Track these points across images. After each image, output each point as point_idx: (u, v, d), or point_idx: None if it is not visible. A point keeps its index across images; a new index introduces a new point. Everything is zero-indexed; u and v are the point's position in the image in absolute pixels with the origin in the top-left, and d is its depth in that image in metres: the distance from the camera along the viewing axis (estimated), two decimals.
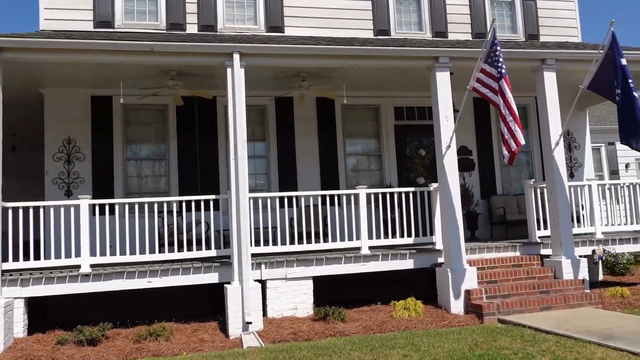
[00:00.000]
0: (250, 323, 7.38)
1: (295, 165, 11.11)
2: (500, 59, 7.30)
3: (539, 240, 9.44)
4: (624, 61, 7.93)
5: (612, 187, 10.49)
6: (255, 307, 7.55)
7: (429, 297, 8.70)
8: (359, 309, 8.48)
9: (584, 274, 8.72)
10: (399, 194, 9.28)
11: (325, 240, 8.89)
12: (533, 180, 9.66)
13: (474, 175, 12.03)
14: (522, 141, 7.05)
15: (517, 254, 9.31)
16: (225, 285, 7.74)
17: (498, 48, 7.40)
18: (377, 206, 9.43)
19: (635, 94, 7.84)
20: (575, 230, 9.85)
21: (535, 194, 9.67)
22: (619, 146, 17.73)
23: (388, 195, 9.14)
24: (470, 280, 8.23)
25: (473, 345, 5.98)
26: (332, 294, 9.32)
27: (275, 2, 11.17)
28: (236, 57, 7.86)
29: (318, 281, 8.62)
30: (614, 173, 17.53)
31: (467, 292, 8.16)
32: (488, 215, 11.79)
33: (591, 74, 8.28)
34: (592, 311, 7.80)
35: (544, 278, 8.78)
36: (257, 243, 8.94)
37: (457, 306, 8.14)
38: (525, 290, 8.34)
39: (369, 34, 11.56)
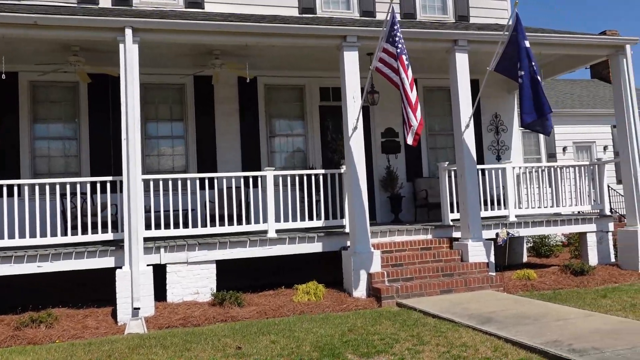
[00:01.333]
0: (139, 309, 7.16)
1: (215, 146, 10.84)
2: (397, 38, 7.13)
3: (451, 223, 9.41)
4: (527, 43, 7.84)
5: (527, 170, 10.51)
6: (146, 292, 7.33)
7: (339, 281, 8.61)
8: (262, 293, 8.35)
9: (490, 256, 8.72)
10: (309, 176, 9.11)
11: (236, 223, 8.65)
12: (447, 162, 9.58)
13: (400, 158, 11.93)
14: (415, 122, 6.92)
15: (429, 237, 9.27)
16: (117, 269, 7.48)
17: (396, 27, 7.21)
18: (293, 189, 9.26)
19: (538, 76, 7.78)
20: (494, 213, 9.89)
21: (450, 177, 9.61)
22: (557, 129, 17.88)
23: (297, 178, 8.98)
24: (374, 264, 8.15)
25: (347, 330, 5.89)
26: (241, 278, 9.17)
27: None
28: (128, 32, 7.51)
29: (226, 265, 8.43)
30: (552, 156, 17.72)
31: (370, 275, 8.08)
32: (413, 198, 11.74)
33: (497, 56, 8.18)
34: (490, 294, 7.81)
35: (450, 261, 8.76)
36: (167, 226, 8.66)
37: (359, 290, 8.06)
38: (429, 273, 8.31)
39: (294, 12, 11.27)
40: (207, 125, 10.81)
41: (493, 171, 9.99)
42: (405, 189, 11.77)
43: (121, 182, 7.68)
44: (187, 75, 10.40)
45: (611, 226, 10.31)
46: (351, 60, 8.44)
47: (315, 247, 8.71)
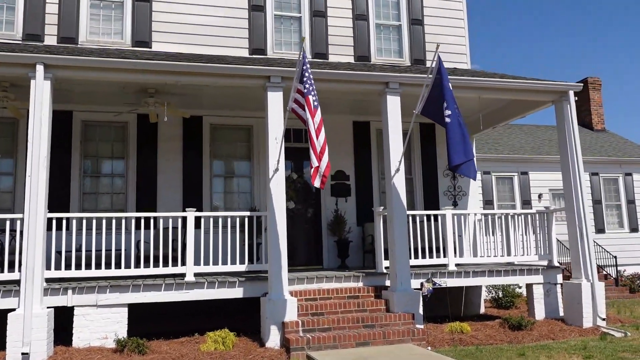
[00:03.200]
0: (28, 354, 6.82)
1: (156, 185, 10.64)
2: (305, 78, 6.96)
3: (384, 271, 9.02)
4: (450, 85, 7.66)
5: (463, 216, 10.12)
6: (40, 337, 6.99)
7: (259, 329, 8.21)
8: (172, 340, 7.97)
9: (417, 308, 8.27)
10: (234, 217, 8.85)
11: (162, 264, 8.33)
12: (382, 207, 9.26)
13: (350, 201, 11.64)
14: (317, 164, 6.66)
15: (360, 284, 8.87)
16: (8, 312, 7.17)
17: (305, 67, 7.06)
18: (225, 231, 9.01)
19: (461, 119, 7.55)
20: (435, 261, 9.48)
21: (386, 222, 9.26)
22: (533, 175, 17.53)
23: (220, 219, 8.72)
24: (289, 312, 7.76)
25: None
26: (161, 322, 8.82)
27: (143, 17, 10.83)
28: (40, 68, 7.44)
29: (141, 309, 8.10)
30: (526, 203, 17.25)
31: (284, 324, 7.67)
32: (362, 243, 11.38)
33: (423, 99, 7.98)
34: (406, 349, 7.35)
35: (375, 311, 8.33)
36: (78, 267, 8.36)
37: (272, 340, 7.65)
38: (349, 324, 7.88)
39: (244, 53, 11.24)
40: (149, 163, 10.65)
41: (432, 217, 9.63)
42: (354, 234, 11.42)
43: (22, 220, 7.44)
44: (121, 113, 10.28)
45: (559, 278, 9.82)
46: (275, 100, 8.29)
47: (236, 292, 8.34)
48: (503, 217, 10.25)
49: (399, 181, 8.65)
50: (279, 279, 7.89)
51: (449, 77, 9.08)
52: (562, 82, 9.63)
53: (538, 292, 9.70)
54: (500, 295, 12.85)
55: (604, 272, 16.57)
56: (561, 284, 9.81)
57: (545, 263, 10.05)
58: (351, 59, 11.83)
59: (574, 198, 9.41)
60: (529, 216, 10.13)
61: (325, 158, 6.81)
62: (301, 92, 7.21)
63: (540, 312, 9.65)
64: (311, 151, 6.67)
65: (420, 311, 8.30)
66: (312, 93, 6.92)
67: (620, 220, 18.21)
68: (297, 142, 11.30)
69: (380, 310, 8.35)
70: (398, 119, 8.81)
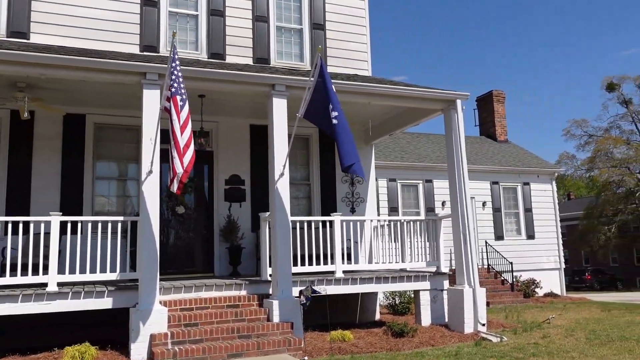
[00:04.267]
0: None
1: (30, 187, 9.84)
2: (174, 76, 6.59)
3: (269, 279, 8.74)
4: (334, 87, 7.53)
5: (359, 223, 10.09)
6: None
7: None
8: (29, 356, 7.29)
9: (297, 316, 8.05)
10: (114, 223, 8.29)
11: (31, 273, 7.60)
12: (268, 213, 9.00)
13: (245, 207, 11.29)
14: (180, 169, 6.29)
15: (243, 292, 8.55)
16: None
17: (174, 64, 6.69)
18: (104, 237, 8.42)
19: (346, 122, 7.42)
20: (323, 268, 9.32)
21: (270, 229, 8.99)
22: (438, 184, 17.93)
23: (100, 224, 8.15)
24: (158, 323, 7.31)
25: None
26: (14, 338, 8.12)
27: (21, 5, 10.02)
28: None
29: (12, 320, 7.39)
30: (430, 210, 17.63)
31: (152, 336, 7.21)
32: (255, 250, 11.05)
33: (305, 103, 7.80)
34: (278, 359, 7.09)
35: (255, 320, 8.04)
36: None
37: (139, 353, 7.17)
38: (223, 334, 7.53)
39: (135, 49, 10.67)
40: (23, 163, 9.84)
41: (322, 224, 9.48)
42: (248, 240, 11.08)
43: None
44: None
45: (446, 284, 9.94)
46: (151, 98, 7.84)
47: (105, 302, 7.77)
48: (399, 223, 10.28)
49: (283, 186, 8.43)
50: (149, 288, 7.43)
51: (342, 82, 9.08)
52: (450, 91, 9.80)
53: (425, 299, 9.76)
54: (397, 301, 12.96)
55: (502, 278, 17.18)
56: (447, 290, 9.93)
57: (435, 270, 10.15)
58: (250, 61, 11.54)
59: (459, 205, 9.56)
60: (419, 223, 10.21)
61: (186, 162, 6.43)
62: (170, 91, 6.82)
63: (426, 319, 9.72)
64: (175, 154, 6.29)
65: (301, 320, 8.08)
66: (180, 92, 6.55)
67: (519, 228, 19.01)
68: None
69: (259, 320, 8.06)
70: (284, 122, 8.60)
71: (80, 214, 9.84)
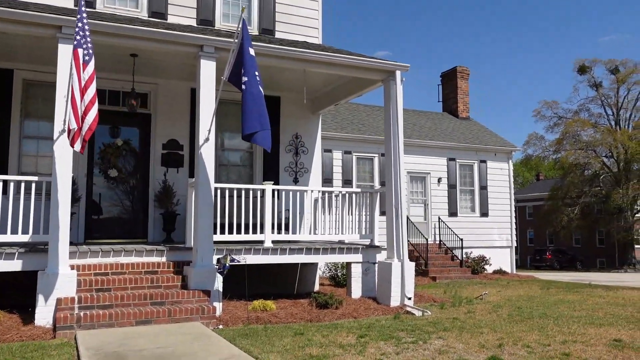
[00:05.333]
0: None
1: None
2: (78, 28, 6.25)
3: (192, 246, 8.54)
4: (252, 51, 7.24)
5: (299, 193, 9.94)
6: None
7: None
8: None
9: (215, 284, 7.90)
10: (28, 182, 7.96)
11: None
12: (194, 179, 8.76)
13: (182, 172, 11.01)
14: (74, 125, 5.99)
15: (163, 259, 8.35)
16: None
17: (80, 15, 6.33)
18: (27, 197, 8.09)
19: (261, 87, 7.16)
20: (253, 237, 9.15)
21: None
22: None
23: (12, 184, 7.79)
24: (66, 287, 7.09)
25: None
26: None
27: None
28: None
29: None
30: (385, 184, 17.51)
31: (59, 300, 7.00)
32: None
33: (230, 65, 7.50)
34: (187, 327, 6.94)
35: (171, 288, 7.88)
36: None
37: (44, 317, 6.96)
38: (135, 300, 7.35)
39: (60, 2, 10.15)
40: None
41: (251, 192, 9.28)
42: (183, 206, 10.79)
43: None
44: None
45: (379, 257, 9.87)
46: (65, 53, 7.42)
47: (14, 265, 7.49)
48: (340, 195, 10.15)
49: (207, 152, 8.18)
50: (57, 251, 7.18)
51: (275, 47, 8.77)
52: (389, 61, 9.58)
53: (356, 271, 9.69)
54: (339, 273, 12.94)
55: (452, 254, 17.29)
56: (378, 264, 9.88)
57: (370, 242, 10.08)
58: (193, 22, 11.12)
59: (393, 179, 9.45)
60: (355, 195, 10.09)
61: (90, 119, 6.13)
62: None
63: (357, 291, 9.67)
64: (71, 111, 5.98)
65: (219, 288, 7.94)
66: (84, 46, 6.20)
67: (473, 205, 19.09)
68: (113, 104, 10.50)
69: (176, 287, 7.90)
70: (211, 85, 8.30)
71: (6, 174, 9.47)
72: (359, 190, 10.29)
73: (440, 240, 17.89)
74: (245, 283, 8.76)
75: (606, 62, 38.86)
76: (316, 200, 11.17)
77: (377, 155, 17.58)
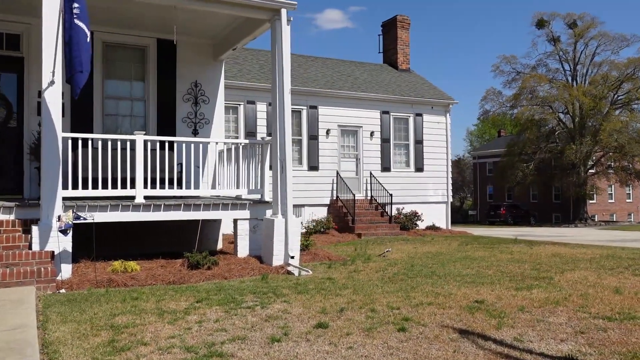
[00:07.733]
0: None
1: None
2: None
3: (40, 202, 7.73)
4: None
5: (201, 145, 9.19)
6: None
7: None
8: None
9: (62, 245, 7.15)
10: None
11: None
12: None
13: (63, 123, 10.01)
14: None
15: (12, 217, 7.54)
16: None
17: None
18: None
19: (83, 25, 6.26)
20: (114, 192, 8.31)
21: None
22: (323, 110, 17.04)
23: None
24: None
25: None
26: None
27: None
28: None
29: None
30: (313, 138, 16.81)
31: None
32: None
33: None
34: (10, 292, 6.21)
35: (14, 248, 7.11)
36: None
37: None
38: None
39: None
40: None
41: (119, 142, 8.41)
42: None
43: None
44: None
45: (269, 214, 9.22)
46: None
47: None
48: (234, 148, 9.42)
49: (53, 96, 7.27)
50: None
51: None
52: None
53: (242, 228, 9.05)
54: None
55: (382, 210, 16.80)
56: (263, 220, 9.24)
57: (259, 198, 9.41)
58: None
59: (278, 130, 8.70)
60: (241, 147, 9.35)
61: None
62: None
63: (244, 250, 9.05)
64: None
65: (67, 248, 7.19)
66: None
67: (408, 160, 18.53)
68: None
69: (19, 247, 7.14)
70: (54, 18, 7.25)
71: None
72: (247, 141, 9.54)
73: (371, 196, 17.37)
74: (94, 243, 7.97)
75: (564, 16, 38.16)
76: (220, 153, 10.41)
77: (305, 107, 16.76)
